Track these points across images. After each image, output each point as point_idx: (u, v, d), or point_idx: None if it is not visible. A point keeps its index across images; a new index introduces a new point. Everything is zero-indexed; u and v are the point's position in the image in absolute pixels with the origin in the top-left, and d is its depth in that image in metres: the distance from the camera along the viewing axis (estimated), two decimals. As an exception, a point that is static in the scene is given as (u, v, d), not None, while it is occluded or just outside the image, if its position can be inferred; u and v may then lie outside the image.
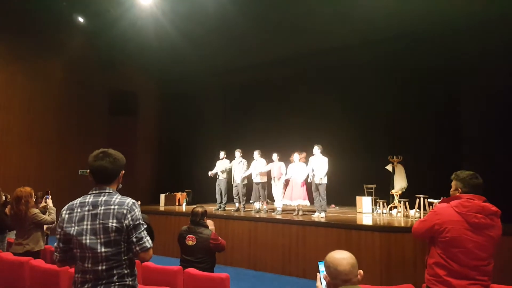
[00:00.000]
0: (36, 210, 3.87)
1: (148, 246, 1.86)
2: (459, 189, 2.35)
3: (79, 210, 1.83)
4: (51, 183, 9.06)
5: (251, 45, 8.80)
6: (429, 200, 6.52)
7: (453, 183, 2.40)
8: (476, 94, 7.18)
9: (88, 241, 1.78)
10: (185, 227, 3.79)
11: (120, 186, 2.01)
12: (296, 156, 7.27)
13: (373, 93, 8.93)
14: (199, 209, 3.76)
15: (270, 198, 8.07)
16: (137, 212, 1.87)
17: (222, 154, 8.31)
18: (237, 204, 7.97)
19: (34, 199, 3.93)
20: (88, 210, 1.82)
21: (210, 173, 8.21)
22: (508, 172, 6.37)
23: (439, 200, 2.45)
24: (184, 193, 9.82)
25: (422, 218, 2.44)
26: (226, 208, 8.16)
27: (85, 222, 1.80)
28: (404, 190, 7.56)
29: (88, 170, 1.92)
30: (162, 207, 9.00)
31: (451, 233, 2.21)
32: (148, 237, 1.88)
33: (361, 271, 1.75)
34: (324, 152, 6.96)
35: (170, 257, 7.10)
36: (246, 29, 7.94)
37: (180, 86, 11.11)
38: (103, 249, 1.77)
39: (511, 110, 6.49)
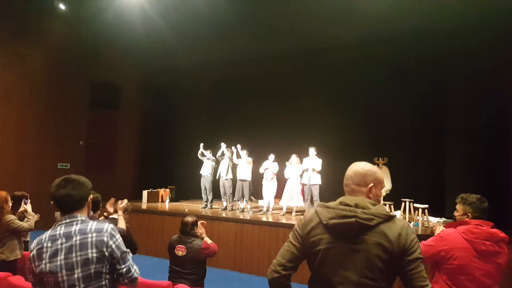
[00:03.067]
0: (11, 217, 3.60)
1: (137, 276, 1.76)
2: (469, 214, 2.28)
3: (49, 245, 1.62)
4: (29, 176, 8.64)
5: (241, 39, 8.55)
6: (415, 204, 6.55)
7: (460, 207, 2.33)
8: (463, 96, 7.25)
9: (65, 277, 1.57)
10: (175, 236, 3.62)
11: (92, 213, 1.81)
12: (293, 158, 7.33)
13: (359, 94, 8.91)
14: (189, 219, 3.59)
15: (254, 196, 8.01)
16: (119, 238, 1.72)
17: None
18: (224, 203, 7.87)
19: (10, 205, 3.65)
20: (61, 243, 1.61)
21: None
22: (493, 174, 6.46)
23: (439, 219, 2.37)
24: (168, 190, 9.59)
25: (426, 241, 2.35)
26: (213, 206, 8.08)
27: (58, 257, 1.59)
28: (388, 192, 7.60)
29: (52, 202, 1.70)
30: (144, 204, 8.75)
31: (459, 261, 2.16)
32: (135, 266, 1.77)
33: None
34: (318, 154, 7.08)
35: (153, 256, 6.96)
36: (237, 22, 7.69)
37: (165, 80, 10.74)
38: (82, 285, 1.58)
39: (497, 113, 6.57)
